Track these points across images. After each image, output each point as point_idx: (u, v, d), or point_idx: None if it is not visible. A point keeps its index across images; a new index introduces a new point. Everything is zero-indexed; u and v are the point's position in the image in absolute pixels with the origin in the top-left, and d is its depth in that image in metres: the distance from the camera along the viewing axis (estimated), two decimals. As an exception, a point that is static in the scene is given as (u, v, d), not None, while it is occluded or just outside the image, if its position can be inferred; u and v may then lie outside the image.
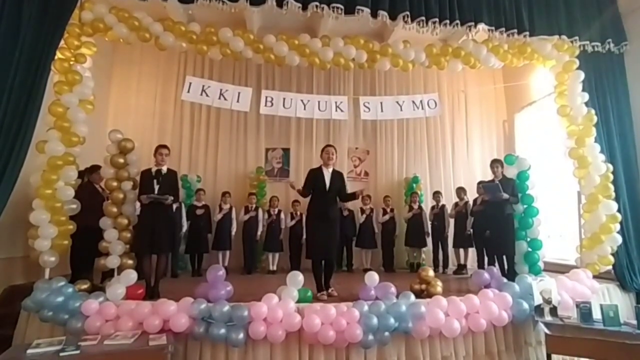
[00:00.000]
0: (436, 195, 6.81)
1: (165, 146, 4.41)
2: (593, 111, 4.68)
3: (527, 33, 4.59)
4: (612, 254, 4.51)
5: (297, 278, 3.80)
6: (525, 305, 3.76)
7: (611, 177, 4.54)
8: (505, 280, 4.28)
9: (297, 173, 7.38)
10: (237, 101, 4.49)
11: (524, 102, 7.18)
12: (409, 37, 4.72)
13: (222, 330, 3.28)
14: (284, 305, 3.45)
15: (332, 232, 4.26)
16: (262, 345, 3.42)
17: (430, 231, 6.70)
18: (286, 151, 7.43)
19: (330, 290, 4.26)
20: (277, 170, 7.37)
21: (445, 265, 6.55)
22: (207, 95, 4.46)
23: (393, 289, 3.87)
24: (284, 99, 4.65)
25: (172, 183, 4.33)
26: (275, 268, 6.41)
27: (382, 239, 6.83)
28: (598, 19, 4.94)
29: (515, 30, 4.53)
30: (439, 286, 4.13)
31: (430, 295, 4.00)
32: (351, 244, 6.71)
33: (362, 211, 6.79)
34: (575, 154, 4.69)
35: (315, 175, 4.30)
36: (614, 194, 4.51)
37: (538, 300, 3.82)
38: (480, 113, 7.84)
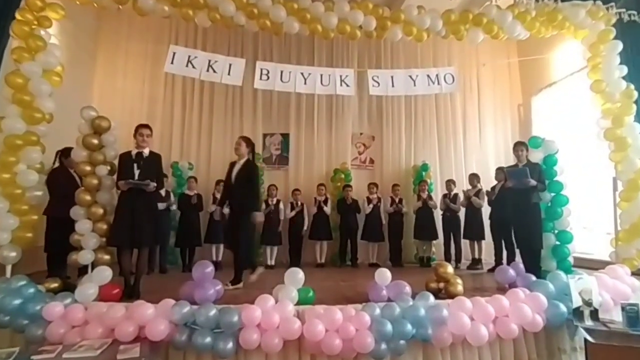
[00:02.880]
0: (449, 183, 6.26)
1: (146, 126, 3.85)
2: (632, 86, 4.12)
3: (560, -3, 4.02)
4: (654, 248, 3.98)
5: (296, 276, 3.29)
6: (563, 308, 3.24)
7: (654, 160, 4.00)
8: (533, 277, 3.76)
9: (297, 160, 6.86)
10: (228, 74, 3.93)
11: (542, 83, 6.62)
12: (424, 3, 4.16)
13: (208, 339, 2.76)
14: (281, 308, 2.94)
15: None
16: (255, 356, 2.90)
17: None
18: (285, 137, 6.88)
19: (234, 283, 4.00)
20: (276, 157, 6.83)
21: (458, 260, 6.03)
22: (193, 67, 3.89)
23: (408, 289, 3.35)
24: (282, 71, 4.07)
25: (155, 167, 3.79)
26: (273, 262, 5.89)
27: (389, 231, 6.30)
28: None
29: (546, -7, 3.96)
30: (459, 285, 3.60)
31: (450, 295, 3.48)
32: (356, 237, 6.18)
33: (369, 201, 6.26)
34: (611, 135, 4.15)
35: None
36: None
37: (577, 301, 3.29)
38: (494, 95, 7.27)
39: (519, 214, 4.30)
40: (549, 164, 4.43)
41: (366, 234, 6.23)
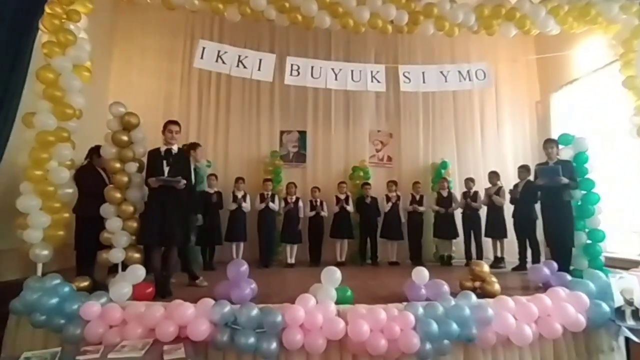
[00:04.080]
0: (468, 181, 6.20)
1: (175, 122, 3.81)
2: (666, 83, 4.07)
3: (594, -9, 3.95)
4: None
5: (334, 275, 3.23)
6: (605, 308, 3.19)
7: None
8: (569, 276, 3.71)
9: (315, 158, 6.80)
10: (258, 69, 3.86)
11: (561, 80, 6.53)
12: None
13: (252, 339, 2.71)
14: (323, 308, 2.89)
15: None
16: (297, 356, 2.86)
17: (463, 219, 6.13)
18: (302, 134, 6.81)
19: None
20: (293, 154, 6.76)
21: (479, 258, 5.96)
22: (223, 62, 3.82)
23: (446, 288, 3.29)
24: (312, 67, 4.01)
25: (184, 164, 3.74)
26: (293, 261, 5.83)
27: (409, 229, 6.25)
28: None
29: (581, -12, 3.89)
30: (496, 283, 3.55)
31: (487, 294, 3.43)
32: (375, 235, 6.12)
33: (388, 199, 6.20)
34: (644, 132, 4.09)
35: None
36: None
37: (618, 301, 3.25)
38: (512, 92, 7.18)
39: (550, 212, 4.25)
40: (579, 162, 4.39)
41: (385, 232, 6.18)
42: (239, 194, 5.71)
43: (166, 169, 3.59)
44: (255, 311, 2.81)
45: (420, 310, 2.93)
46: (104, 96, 5.93)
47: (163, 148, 3.67)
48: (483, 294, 3.47)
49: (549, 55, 5.80)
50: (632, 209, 4.68)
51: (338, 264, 5.85)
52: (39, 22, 3.23)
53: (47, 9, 3.29)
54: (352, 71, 4.08)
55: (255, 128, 6.75)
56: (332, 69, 4.06)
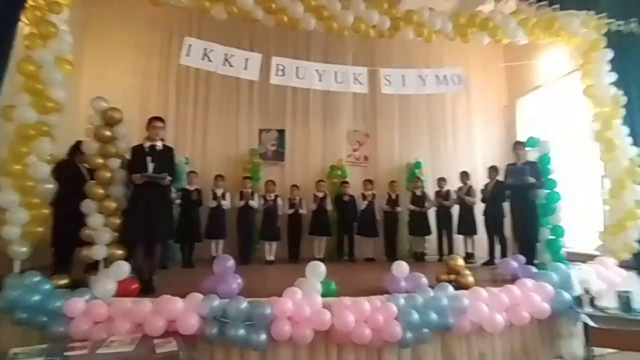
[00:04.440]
0: (440, 181, 6.49)
1: (159, 118, 3.80)
2: (621, 92, 4.46)
3: (558, 6, 4.27)
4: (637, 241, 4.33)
5: (318, 268, 3.34)
6: (567, 296, 3.49)
7: (639, 161, 4.34)
8: (534, 269, 4.01)
9: (293, 156, 6.90)
10: (245, 68, 3.91)
11: (528, 86, 6.96)
12: (422, 2, 4.28)
13: (241, 331, 2.78)
14: (310, 300, 3.00)
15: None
16: (284, 347, 2.96)
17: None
18: (281, 133, 6.88)
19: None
20: (272, 153, 6.82)
21: (451, 253, 6.26)
22: (209, 60, 3.84)
23: (425, 280, 3.49)
24: (297, 67, 4.11)
25: (169, 161, 3.73)
26: (273, 258, 5.90)
27: (385, 227, 6.47)
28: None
29: (547, 2, 4.20)
30: (469, 276, 3.79)
31: (461, 286, 3.65)
32: (353, 232, 6.30)
33: (364, 197, 6.39)
34: (601, 137, 4.48)
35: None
36: (640, 179, 4.32)
37: (577, 290, 3.56)
38: (482, 96, 7.52)
39: (518, 210, 4.56)
40: (543, 163, 4.72)
41: (362, 230, 6.36)
42: (219, 192, 5.71)
43: (151, 165, 3.57)
44: (244, 304, 2.88)
45: (402, 301, 3.10)
46: (76, 90, 5.76)
47: (147, 144, 3.65)
48: (458, 286, 3.69)
49: (516, 63, 6.17)
50: (590, 207, 5.08)
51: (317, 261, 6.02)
52: (20, 14, 3.14)
53: (29, 1, 3.21)
54: (335, 72, 4.22)
55: (234, 126, 6.75)
56: (317, 70, 4.18)
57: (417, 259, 6.32)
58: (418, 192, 6.52)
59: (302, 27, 4.00)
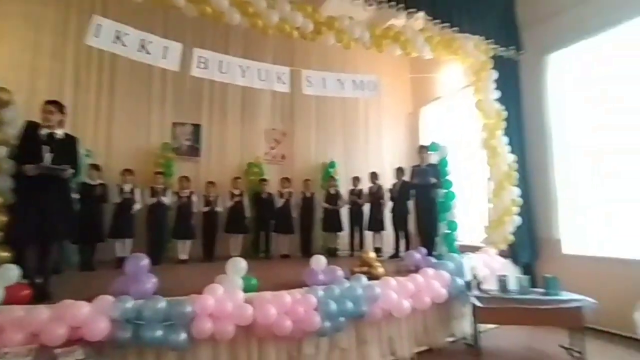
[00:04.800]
0: (354, 180, 6.89)
1: (54, 102, 3.37)
2: (503, 107, 5.24)
3: (458, 28, 4.87)
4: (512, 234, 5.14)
5: (239, 265, 3.34)
6: (460, 282, 4.01)
7: (516, 166, 5.15)
8: (434, 259, 4.52)
9: (209, 152, 6.69)
10: (164, 57, 3.68)
11: (430, 96, 7.75)
12: (340, 9, 4.54)
13: (159, 332, 2.65)
14: (231, 296, 2.98)
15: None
16: (204, 346, 2.90)
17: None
18: (197, 127, 6.61)
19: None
20: (187, 148, 6.52)
21: (362, 249, 6.68)
22: (123, 45, 3.54)
23: (341, 272, 3.70)
24: (221, 62, 4.00)
25: (71, 152, 3.35)
26: (186, 257, 5.65)
27: (301, 224, 6.65)
28: (504, 28, 5.54)
29: (449, 24, 4.76)
30: (380, 267, 4.12)
31: (373, 277, 3.96)
32: (270, 230, 6.34)
33: (281, 195, 6.48)
34: (487, 144, 5.20)
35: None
36: (517, 181, 5.12)
37: (468, 276, 4.12)
38: (391, 103, 8.10)
39: (421, 208, 5.09)
40: (442, 165, 5.34)
41: (278, 227, 6.44)
42: (127, 187, 5.29)
43: (48, 155, 3.18)
44: (162, 304, 2.75)
45: (321, 293, 3.26)
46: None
47: (44, 131, 3.24)
48: (370, 277, 3.99)
49: (421, 75, 6.84)
50: (478, 205, 5.86)
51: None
52: None
53: None
54: (259, 70, 4.23)
55: (144, 117, 6.29)
56: (240, 66, 4.13)
57: (330, 254, 6.61)
58: (332, 191, 6.81)
59: (225, 21, 3.92)
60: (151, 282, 3.14)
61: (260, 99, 7.04)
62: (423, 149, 5.20)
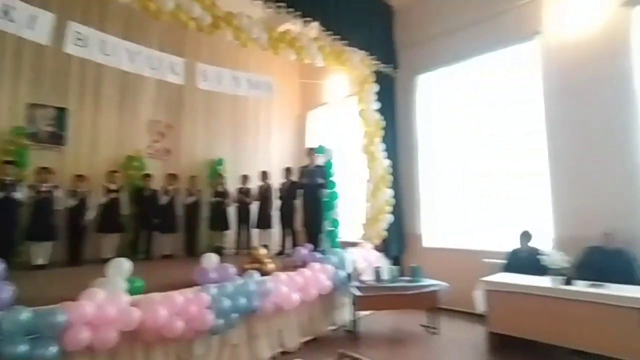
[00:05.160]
0: (244, 178, 6.87)
1: None
2: (381, 117, 5.90)
3: (347, 42, 5.32)
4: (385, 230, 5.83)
5: (122, 266, 3.09)
6: (342, 274, 4.41)
7: (390, 170, 5.84)
8: (320, 255, 4.84)
9: (78, 141, 5.84)
10: (30, 28, 3.10)
11: (317, 101, 8.20)
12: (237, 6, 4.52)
13: (22, 347, 2.29)
14: (114, 300, 2.74)
15: None
16: (79, 357, 2.61)
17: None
18: (61, 111, 5.73)
19: None
20: (47, 134, 5.59)
21: (249, 247, 6.70)
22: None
23: (233, 269, 3.70)
24: (104, 41, 3.55)
25: None
26: (45, 262, 4.86)
27: (186, 222, 6.35)
28: (385, 47, 6.26)
29: (340, 37, 5.17)
30: (270, 264, 4.24)
31: (264, 273, 4.06)
32: (152, 229, 5.89)
33: (167, 192, 6.09)
34: (367, 150, 5.80)
35: None
36: (390, 184, 5.82)
37: (349, 268, 4.55)
38: (281, 104, 8.25)
39: (308, 206, 5.39)
40: (328, 167, 5.75)
41: (161, 226, 6.03)
42: (-37, 178, 4.30)
43: None
44: (25, 315, 2.38)
45: (214, 290, 3.23)
46: None
47: None
48: (261, 273, 4.09)
49: (310, 81, 7.21)
50: (358, 205, 6.45)
51: (105, 261, 5.30)
52: None
53: None
54: (149, 57, 3.91)
55: (-14, 95, 5.19)
56: (127, 49, 3.75)
57: (216, 253, 6.46)
58: (220, 189, 6.68)
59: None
60: (7, 290, 2.67)
61: (144, 85, 6.43)
62: (311, 151, 5.52)
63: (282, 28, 4.80)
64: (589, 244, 3.98)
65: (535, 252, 4.09)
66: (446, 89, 5.98)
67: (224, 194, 6.65)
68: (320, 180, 5.25)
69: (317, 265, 4.31)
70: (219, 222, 6.58)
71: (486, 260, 4.74)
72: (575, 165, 4.46)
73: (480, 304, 3.95)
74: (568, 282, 3.44)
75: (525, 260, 4.18)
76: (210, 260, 3.65)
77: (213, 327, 3.07)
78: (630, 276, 3.57)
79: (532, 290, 3.56)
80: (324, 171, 5.51)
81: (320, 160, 5.73)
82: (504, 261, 4.43)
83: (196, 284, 3.42)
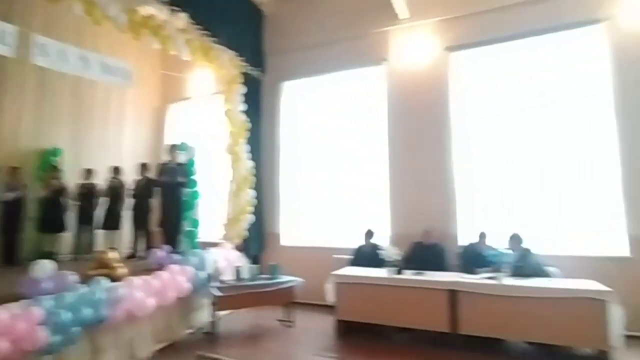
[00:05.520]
0: (87, 173, 6.01)
1: None
2: (247, 119, 5.97)
3: (217, 40, 5.24)
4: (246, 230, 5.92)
5: None
6: (202, 275, 4.32)
7: (253, 171, 5.96)
8: (179, 256, 4.63)
9: None
10: None
11: (179, 95, 7.73)
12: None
13: None
14: None
15: None
16: None
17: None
18: None
19: None
20: None
21: (91, 251, 5.90)
22: None
23: (74, 277, 3.26)
24: None
25: None
26: None
27: (4, 224, 5.20)
28: (254, 50, 6.37)
29: (210, 33, 5.05)
30: (121, 268, 3.86)
31: (114, 278, 3.68)
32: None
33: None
34: (231, 150, 5.80)
35: None
36: (253, 185, 5.94)
37: (209, 269, 4.49)
38: (137, 94, 7.51)
39: (166, 205, 5.08)
40: (189, 165, 5.54)
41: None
42: None
43: None
44: None
45: (49, 303, 2.80)
46: None
47: None
48: (111, 279, 3.69)
49: (173, 74, 6.78)
50: (219, 205, 6.35)
51: None
52: None
53: None
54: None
55: None
56: None
57: (47, 259, 5.48)
58: (54, 183, 5.70)
59: None
60: None
61: None
62: (173, 148, 5.22)
63: (145, 12, 4.41)
64: (414, 239, 4.88)
65: (376, 247, 4.80)
66: (308, 98, 6.47)
67: (59, 190, 5.70)
68: (181, 179, 5.00)
69: (175, 268, 4.12)
70: (51, 222, 5.60)
71: (336, 256, 5.31)
72: (407, 174, 5.43)
73: (330, 296, 4.42)
74: (399, 272, 4.18)
75: (368, 254, 4.86)
76: (44, 268, 3.14)
77: (47, 345, 2.65)
78: (442, 265, 4.55)
79: (371, 280, 4.19)
80: (186, 169, 5.28)
81: (181, 158, 5.46)
82: (351, 256, 5.05)
83: (24, 297, 2.90)
